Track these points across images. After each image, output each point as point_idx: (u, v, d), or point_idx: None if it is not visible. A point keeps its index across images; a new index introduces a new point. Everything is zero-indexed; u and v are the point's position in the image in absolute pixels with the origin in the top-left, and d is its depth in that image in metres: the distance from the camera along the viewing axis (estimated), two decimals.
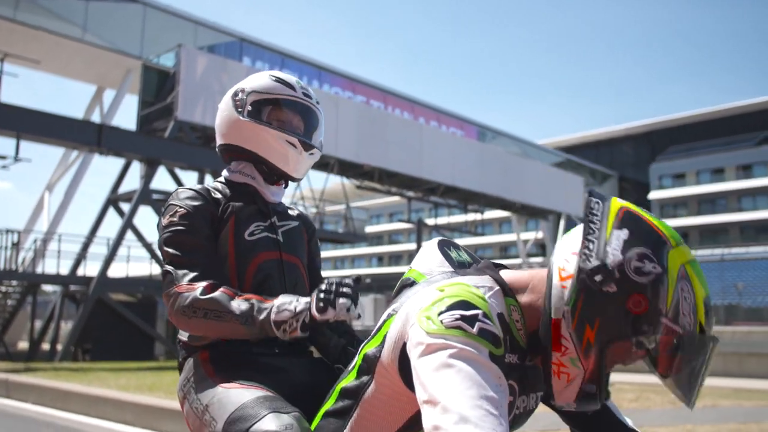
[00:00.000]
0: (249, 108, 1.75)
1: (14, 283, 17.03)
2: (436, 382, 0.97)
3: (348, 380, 1.28)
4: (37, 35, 19.79)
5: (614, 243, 1.07)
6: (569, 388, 1.13)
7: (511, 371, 1.13)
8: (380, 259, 66.48)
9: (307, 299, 1.44)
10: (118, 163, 17.94)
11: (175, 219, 1.64)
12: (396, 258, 62.65)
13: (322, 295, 1.40)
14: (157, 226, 1.70)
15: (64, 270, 17.40)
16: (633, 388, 9.07)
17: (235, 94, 1.79)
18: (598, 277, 1.05)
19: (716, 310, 20.19)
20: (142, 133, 17.27)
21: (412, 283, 1.30)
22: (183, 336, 1.70)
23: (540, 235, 37.14)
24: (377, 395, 1.20)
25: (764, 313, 12.67)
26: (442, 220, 30.41)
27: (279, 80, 1.79)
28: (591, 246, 1.08)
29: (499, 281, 1.19)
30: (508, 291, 1.18)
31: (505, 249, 58.46)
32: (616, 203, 1.14)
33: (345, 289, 1.41)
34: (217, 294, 1.50)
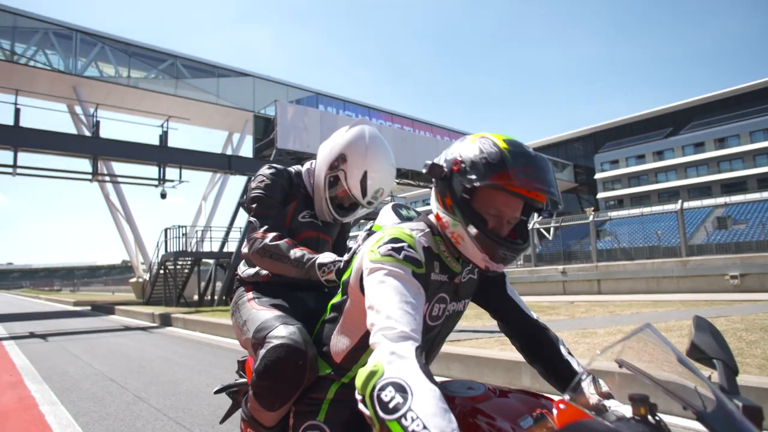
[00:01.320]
0: (331, 176, 1.58)
1: (187, 258, 17.56)
2: (374, 293, 0.94)
3: (336, 299, 1.24)
4: (188, 103, 20.32)
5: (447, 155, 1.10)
6: (469, 245, 1.04)
7: (442, 286, 1.10)
8: None
9: (341, 258, 1.37)
10: (243, 178, 18.26)
11: (260, 185, 1.56)
12: None
13: (347, 256, 1.30)
14: (245, 188, 1.65)
15: (216, 249, 17.87)
16: (584, 304, 8.83)
17: (342, 158, 1.56)
18: (435, 171, 1.08)
19: (644, 251, 19.75)
20: (256, 158, 17.50)
21: (373, 232, 1.25)
22: (239, 272, 1.66)
23: None
24: (351, 308, 1.16)
25: (675, 249, 12.17)
26: None
27: (363, 189, 1.56)
28: (426, 162, 1.12)
29: (430, 224, 1.13)
30: (436, 231, 1.11)
31: None
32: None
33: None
34: (281, 243, 1.44)
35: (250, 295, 1.56)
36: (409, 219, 1.26)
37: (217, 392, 1.66)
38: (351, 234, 1.90)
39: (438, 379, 0.87)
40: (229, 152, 24.03)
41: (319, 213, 1.64)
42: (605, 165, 50.55)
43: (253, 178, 1.62)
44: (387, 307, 0.90)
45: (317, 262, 1.37)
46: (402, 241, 1.01)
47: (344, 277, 1.21)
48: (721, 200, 29.59)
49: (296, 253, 1.41)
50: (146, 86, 19.18)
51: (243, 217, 19.18)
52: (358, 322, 1.14)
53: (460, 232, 1.05)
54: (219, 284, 17.64)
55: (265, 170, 1.60)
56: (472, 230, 1.02)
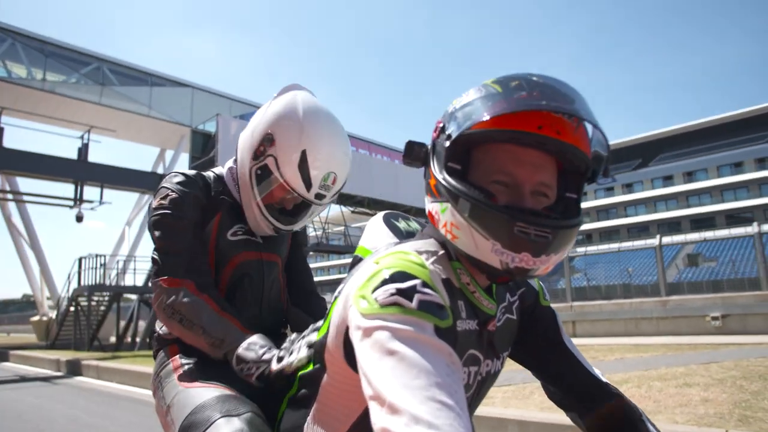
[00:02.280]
0: (258, 168, 1.22)
1: (104, 293, 16.58)
2: (379, 375, 0.62)
3: (306, 368, 0.90)
4: (115, 113, 19.56)
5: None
6: (469, 234, 0.74)
7: (470, 339, 0.81)
8: None
9: (276, 352, 1.03)
10: None
11: (164, 202, 1.20)
12: None
13: (281, 353, 1.00)
14: (149, 208, 1.27)
15: (140, 282, 17.02)
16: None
17: (268, 140, 1.20)
18: (414, 153, 0.85)
19: (615, 289, 20.32)
20: None
21: (360, 260, 0.92)
22: (157, 327, 1.29)
23: None
24: (331, 383, 0.83)
25: (648, 288, 12.57)
26: None
27: (305, 177, 1.19)
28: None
29: (443, 241, 0.81)
30: (452, 253, 0.81)
31: None
32: None
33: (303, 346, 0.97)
34: (200, 301, 1.13)
35: (177, 362, 1.18)
36: (411, 234, 0.96)
37: None
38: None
39: None
40: (160, 171, 23.19)
41: (254, 226, 1.28)
42: None
43: (155, 192, 1.27)
44: (407, 402, 0.58)
45: (236, 353, 1.07)
46: (411, 277, 0.70)
47: (317, 337, 0.88)
48: (694, 236, 31.29)
49: (216, 326, 1.10)
50: (65, 92, 18.31)
51: None
52: (342, 409, 0.83)
53: (452, 218, 0.76)
54: (142, 324, 16.67)
55: (170, 180, 1.24)
56: (464, 205, 0.73)
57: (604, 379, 0.96)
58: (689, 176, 47.12)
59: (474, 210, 0.72)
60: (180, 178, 1.25)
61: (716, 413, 3.56)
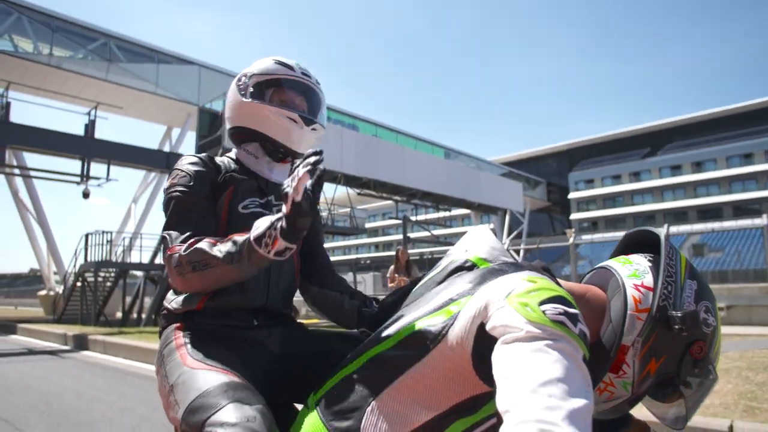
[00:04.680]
0: (251, 89, 1.33)
1: (111, 269, 16.67)
2: (530, 363, 0.65)
3: (384, 347, 0.90)
4: (122, 90, 19.48)
5: (688, 291, 0.88)
6: (607, 404, 0.88)
7: None
8: (376, 246, 65.94)
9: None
10: None
11: (175, 181, 1.24)
12: (387, 245, 62.13)
13: (285, 188, 0.97)
14: (163, 190, 1.29)
15: (146, 259, 17.11)
16: None
17: (239, 79, 1.37)
18: (674, 320, 0.84)
19: None
20: None
21: (471, 266, 0.94)
22: (166, 303, 1.27)
23: (491, 226, 37.03)
24: (432, 372, 0.83)
25: None
26: (421, 217, 30.12)
27: (279, 62, 1.36)
28: (670, 289, 0.86)
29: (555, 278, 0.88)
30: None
31: None
32: (683, 255, 0.93)
33: (303, 170, 0.95)
34: (199, 245, 1.09)
35: (181, 339, 1.16)
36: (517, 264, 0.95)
37: None
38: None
39: None
40: (167, 149, 23.15)
41: (296, 143, 1.33)
42: (580, 184, 52.39)
43: (167, 175, 1.30)
44: (550, 391, 0.61)
45: (251, 239, 1.02)
46: (573, 306, 0.75)
47: (421, 323, 0.88)
48: (700, 226, 31.11)
49: (222, 247, 1.06)
50: (71, 67, 18.18)
51: None
52: (437, 397, 0.83)
53: (617, 398, 0.89)
54: (148, 300, 16.81)
55: (183, 161, 1.29)
56: (616, 412, 0.92)
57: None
58: (698, 166, 46.72)
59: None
60: (190, 159, 1.29)
61: (721, 404, 3.55)
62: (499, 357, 0.70)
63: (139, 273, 17.25)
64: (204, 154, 1.34)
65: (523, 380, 0.63)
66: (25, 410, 4.74)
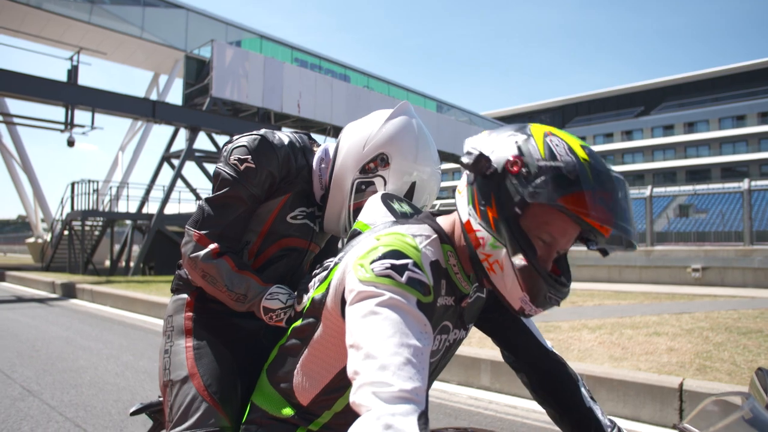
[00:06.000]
0: (363, 183, 1.22)
1: (98, 218, 16.68)
2: (362, 329, 0.73)
3: (298, 321, 1.04)
4: (106, 34, 18.84)
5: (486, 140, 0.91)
6: (508, 278, 0.85)
7: (445, 312, 0.94)
8: None
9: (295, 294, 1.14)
10: (169, 129, 17.35)
11: (240, 167, 1.22)
12: None
13: (301, 292, 1.09)
14: (223, 148, 1.27)
15: (133, 209, 17.12)
16: None
17: (382, 161, 1.21)
18: (479, 165, 0.85)
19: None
20: (186, 107, 16.61)
21: (357, 233, 1.03)
22: (183, 269, 1.35)
23: None
24: (325, 337, 0.96)
25: (642, 235, 12.73)
26: None
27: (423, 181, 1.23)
28: (471, 150, 0.88)
29: (437, 229, 0.94)
30: (444, 238, 0.94)
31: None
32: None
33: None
34: (218, 261, 1.17)
35: (189, 323, 1.28)
36: (404, 215, 1.04)
37: (133, 413, 1.44)
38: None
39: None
40: (153, 97, 22.74)
41: (330, 223, 1.29)
42: None
43: (232, 140, 1.26)
44: (381, 351, 0.69)
45: (262, 305, 1.16)
46: (405, 257, 0.81)
47: (315, 294, 1.00)
48: (686, 188, 31.40)
49: (236, 283, 1.17)
50: (53, 8, 17.52)
51: (167, 174, 18.31)
52: (333, 358, 0.96)
53: (502, 260, 0.85)
54: (136, 248, 16.91)
55: (252, 140, 1.23)
56: (519, 260, 0.84)
57: (551, 349, 1.13)
58: (690, 127, 46.67)
59: (525, 269, 0.83)
60: (264, 144, 1.24)
61: (678, 362, 3.75)
62: (347, 322, 0.78)
63: (128, 222, 17.24)
64: (286, 139, 1.29)
65: (359, 347, 0.71)
66: (13, 356, 4.89)
